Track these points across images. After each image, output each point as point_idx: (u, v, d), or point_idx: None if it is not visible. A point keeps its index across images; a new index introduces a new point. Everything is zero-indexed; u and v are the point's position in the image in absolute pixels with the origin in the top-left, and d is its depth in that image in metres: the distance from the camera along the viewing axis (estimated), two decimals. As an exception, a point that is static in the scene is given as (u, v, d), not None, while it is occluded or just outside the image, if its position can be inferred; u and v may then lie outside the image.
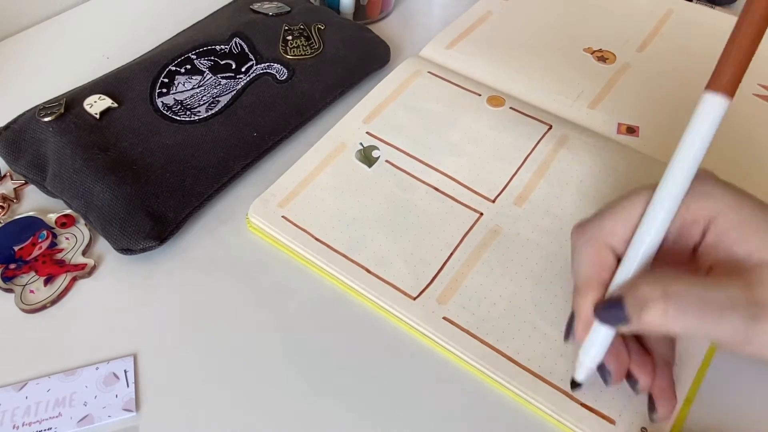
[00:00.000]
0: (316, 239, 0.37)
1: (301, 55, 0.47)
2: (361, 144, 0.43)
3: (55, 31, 0.53)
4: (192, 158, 0.40)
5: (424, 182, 0.41)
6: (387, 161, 0.42)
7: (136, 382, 0.32)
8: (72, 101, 0.41)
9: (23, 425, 0.30)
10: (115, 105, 0.41)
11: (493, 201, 0.40)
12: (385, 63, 0.50)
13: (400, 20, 0.56)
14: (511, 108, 0.45)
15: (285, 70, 0.46)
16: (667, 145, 0.43)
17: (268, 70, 0.45)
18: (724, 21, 0.53)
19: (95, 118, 0.41)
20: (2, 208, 0.39)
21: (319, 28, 0.49)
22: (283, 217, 0.38)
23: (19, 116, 0.41)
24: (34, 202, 0.40)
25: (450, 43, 0.51)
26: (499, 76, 0.48)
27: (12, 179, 0.41)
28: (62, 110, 0.40)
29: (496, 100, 0.46)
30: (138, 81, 0.43)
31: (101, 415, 0.31)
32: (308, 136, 0.45)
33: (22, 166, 0.39)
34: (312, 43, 0.48)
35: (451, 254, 0.37)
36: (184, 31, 0.51)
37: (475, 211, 0.39)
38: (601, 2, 0.56)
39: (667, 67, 0.49)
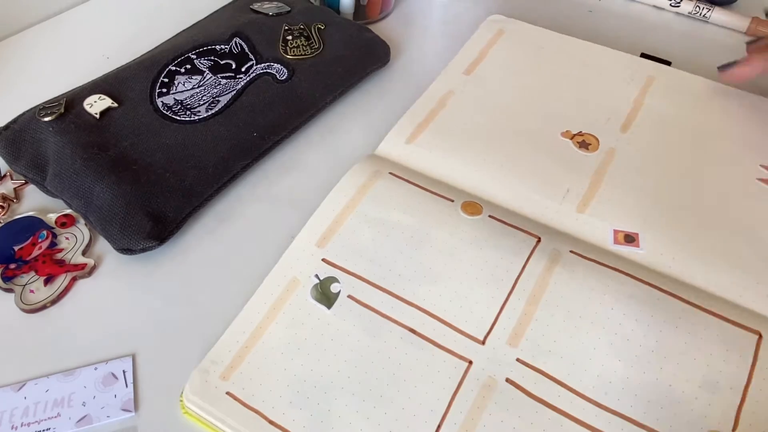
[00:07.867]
0: (270, 422, 0.30)
1: (301, 55, 0.47)
2: (317, 277, 0.35)
3: (55, 31, 0.53)
4: (192, 158, 0.40)
5: (396, 322, 0.33)
6: (349, 296, 0.34)
7: (134, 383, 0.32)
8: (72, 101, 0.41)
9: (22, 425, 0.30)
10: (115, 105, 0.41)
11: (483, 342, 0.33)
12: (385, 63, 0.50)
13: (400, 20, 0.56)
14: (490, 216, 0.38)
15: (285, 70, 0.45)
16: (673, 255, 0.36)
17: (268, 70, 0.45)
18: (707, 85, 0.47)
19: (95, 118, 0.41)
20: (2, 208, 0.39)
21: (319, 28, 0.49)
22: (228, 393, 0.31)
23: (19, 116, 0.41)
24: (34, 202, 0.40)
25: (410, 135, 0.43)
26: (471, 176, 0.41)
27: (12, 179, 0.41)
28: (62, 110, 0.40)
29: (472, 206, 0.38)
30: (138, 81, 0.43)
31: (100, 415, 0.31)
32: (308, 136, 0.45)
33: (22, 166, 0.39)
34: (312, 43, 0.48)
35: (441, 423, 0.30)
36: (184, 31, 0.51)
37: (463, 358, 0.32)
38: (574, 71, 0.48)
39: (657, 149, 0.43)
